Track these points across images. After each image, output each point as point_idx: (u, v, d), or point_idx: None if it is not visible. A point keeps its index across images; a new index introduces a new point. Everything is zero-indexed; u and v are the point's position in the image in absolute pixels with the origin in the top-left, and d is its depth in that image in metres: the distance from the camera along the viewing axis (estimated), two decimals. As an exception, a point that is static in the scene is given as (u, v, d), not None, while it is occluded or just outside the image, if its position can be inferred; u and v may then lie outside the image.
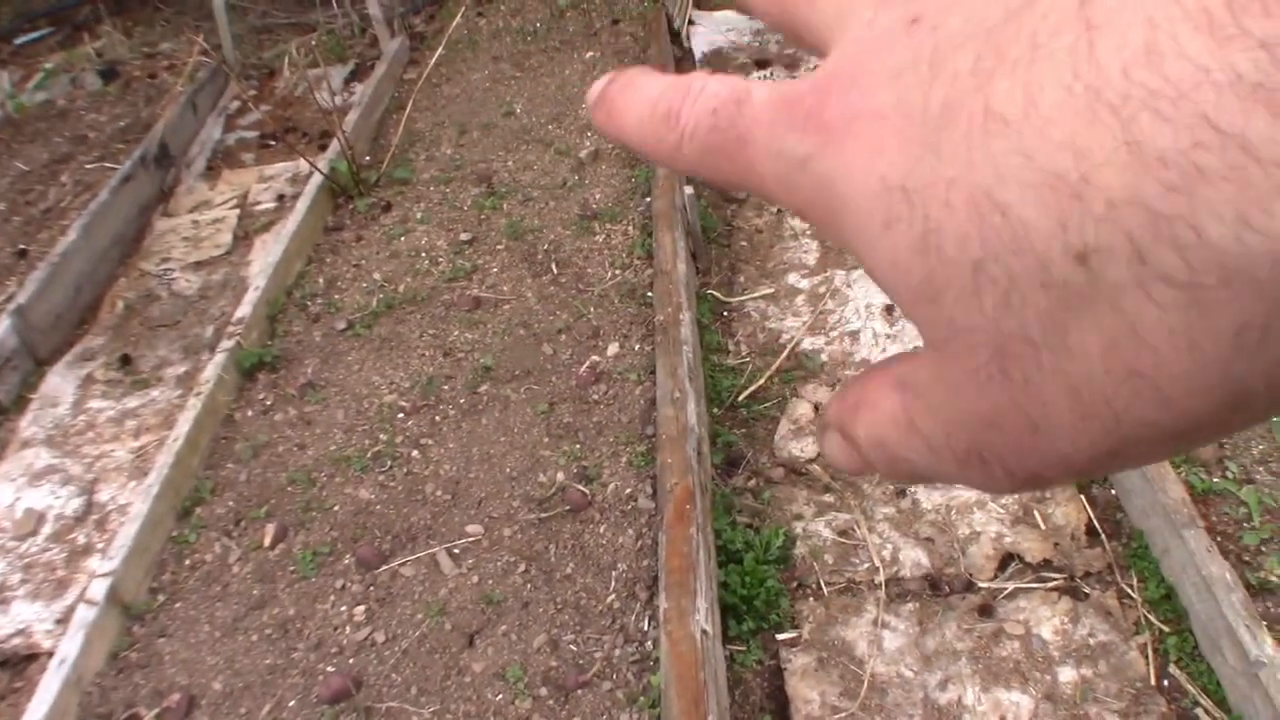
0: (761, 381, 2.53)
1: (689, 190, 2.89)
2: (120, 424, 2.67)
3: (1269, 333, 0.15)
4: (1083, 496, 2.18)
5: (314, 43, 4.44)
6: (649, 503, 2.12)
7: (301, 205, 3.15)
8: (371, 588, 2.06)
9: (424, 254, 3.02)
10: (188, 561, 2.18)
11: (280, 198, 3.52)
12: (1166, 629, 1.90)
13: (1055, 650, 1.90)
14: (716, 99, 0.22)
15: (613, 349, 2.56)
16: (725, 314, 2.79)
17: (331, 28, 4.55)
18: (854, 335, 2.64)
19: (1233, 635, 1.74)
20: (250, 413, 2.54)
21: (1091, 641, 1.90)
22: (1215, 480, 2.10)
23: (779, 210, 3.10)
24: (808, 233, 2.99)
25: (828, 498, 2.24)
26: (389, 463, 2.33)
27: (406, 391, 2.53)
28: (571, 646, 1.88)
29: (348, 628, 1.99)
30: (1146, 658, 1.87)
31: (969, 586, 2.02)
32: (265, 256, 3.06)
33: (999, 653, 1.90)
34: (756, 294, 2.82)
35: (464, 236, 3.06)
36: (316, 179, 3.24)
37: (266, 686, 1.90)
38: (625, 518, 2.11)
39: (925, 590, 2.03)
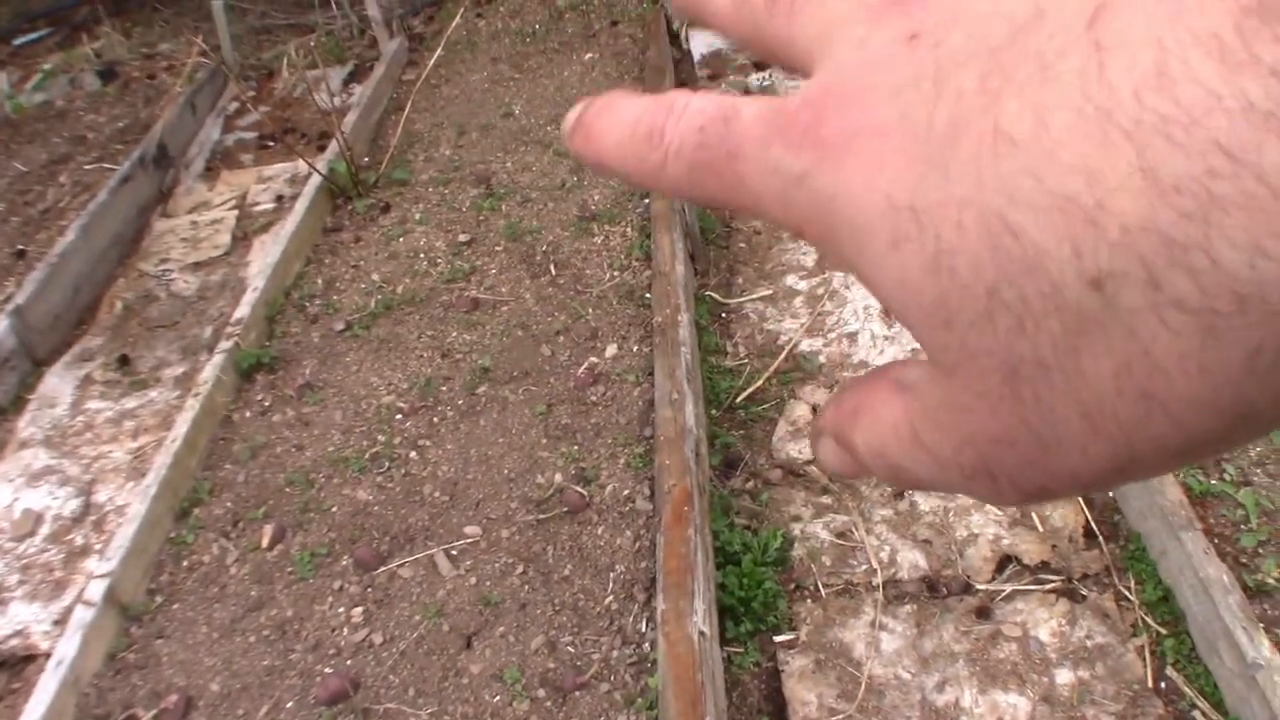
0: (760, 383, 2.53)
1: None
2: (118, 425, 2.67)
3: None
4: (1080, 499, 2.18)
5: (313, 44, 4.45)
6: (647, 504, 2.12)
7: (300, 206, 3.15)
8: (369, 589, 2.05)
9: (422, 255, 3.02)
10: (185, 562, 2.18)
11: (279, 199, 3.52)
12: (1164, 631, 1.90)
13: (1053, 652, 1.90)
14: (703, 115, 0.22)
15: (611, 350, 2.55)
16: (723, 315, 2.79)
17: (330, 29, 4.55)
18: (852, 337, 2.64)
19: (1230, 637, 1.74)
20: (248, 414, 2.54)
21: (1089, 643, 1.91)
22: (1213, 482, 2.10)
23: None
24: (806, 234, 2.99)
25: (826, 499, 2.24)
26: (387, 464, 2.33)
27: (405, 392, 2.53)
28: (569, 648, 1.88)
29: (345, 629, 1.98)
30: (1144, 660, 1.87)
31: (967, 588, 2.02)
32: (264, 257, 3.06)
33: (996, 655, 1.90)
34: (755, 295, 2.82)
35: (462, 238, 3.06)
36: (315, 180, 3.24)
37: (264, 688, 1.90)
38: (623, 519, 2.11)
39: (923, 592, 2.03)
